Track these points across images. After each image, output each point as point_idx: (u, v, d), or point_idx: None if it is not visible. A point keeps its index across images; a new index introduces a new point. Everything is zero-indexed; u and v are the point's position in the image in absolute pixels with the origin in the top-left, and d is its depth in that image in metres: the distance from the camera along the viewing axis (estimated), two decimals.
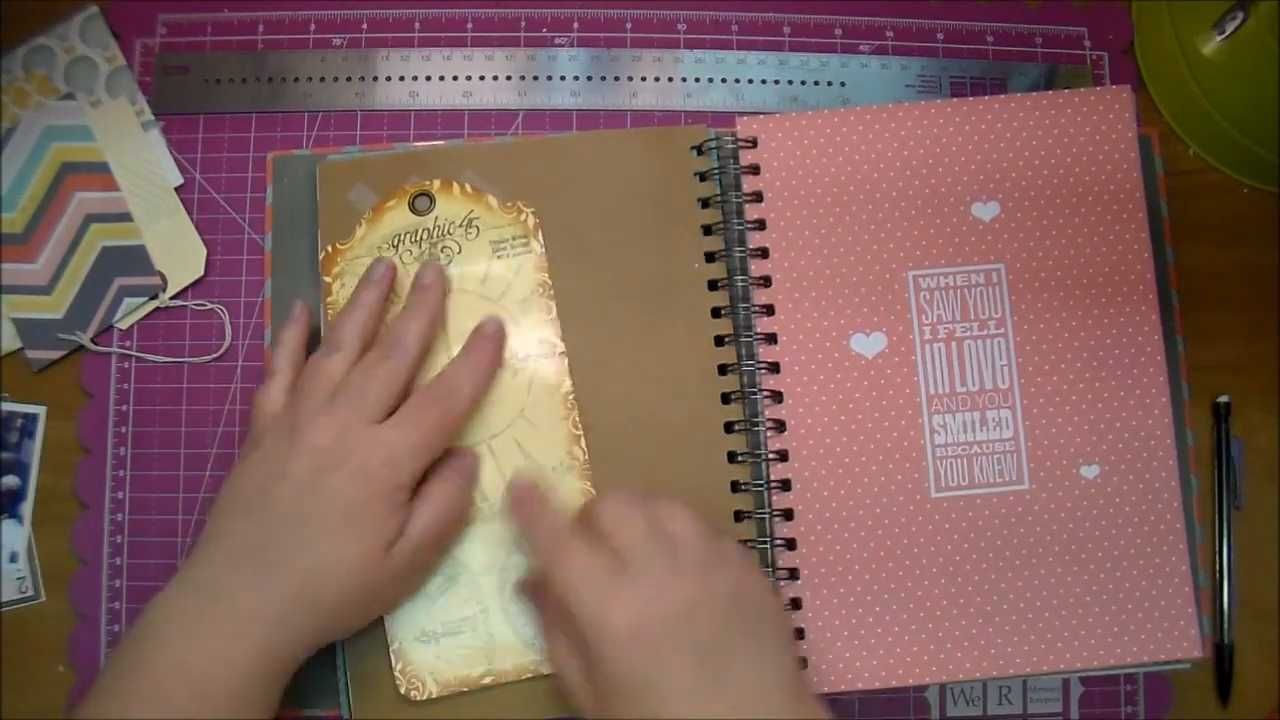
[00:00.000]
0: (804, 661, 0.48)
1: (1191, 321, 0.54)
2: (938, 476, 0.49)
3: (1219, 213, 0.56)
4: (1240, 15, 0.50)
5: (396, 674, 0.47)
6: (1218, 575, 0.53)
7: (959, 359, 0.50)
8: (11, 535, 0.53)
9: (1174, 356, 0.52)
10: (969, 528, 0.49)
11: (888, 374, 0.49)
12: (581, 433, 0.49)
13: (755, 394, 0.50)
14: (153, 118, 0.55)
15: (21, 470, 0.53)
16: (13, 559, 0.53)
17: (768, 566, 0.49)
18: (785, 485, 0.49)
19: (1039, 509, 0.49)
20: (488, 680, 0.48)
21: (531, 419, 0.49)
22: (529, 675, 0.48)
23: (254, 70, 0.56)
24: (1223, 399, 0.54)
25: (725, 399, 0.50)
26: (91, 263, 0.53)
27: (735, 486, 0.49)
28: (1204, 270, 0.55)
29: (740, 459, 0.49)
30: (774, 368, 0.49)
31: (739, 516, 0.49)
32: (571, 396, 0.49)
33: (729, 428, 0.49)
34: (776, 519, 0.49)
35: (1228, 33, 0.51)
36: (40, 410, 0.54)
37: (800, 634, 0.48)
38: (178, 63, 0.56)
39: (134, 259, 0.54)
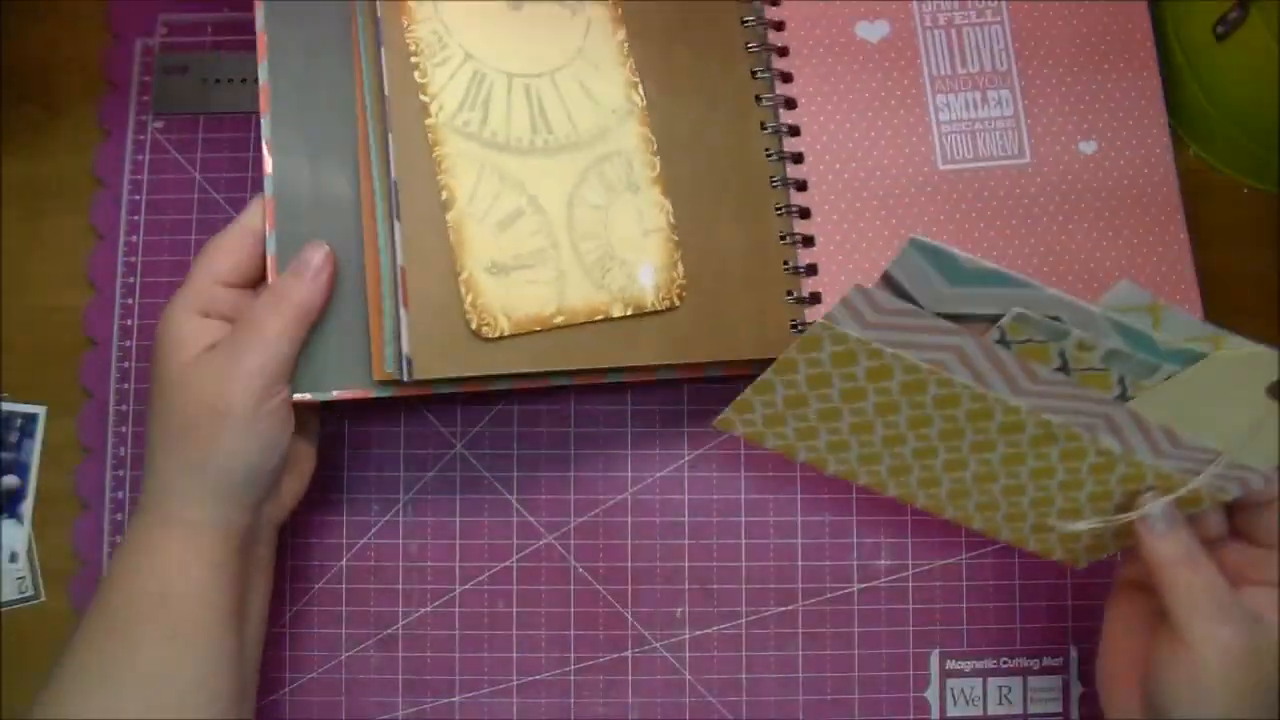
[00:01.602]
0: (818, 296, 0.50)
1: None
2: (943, 150, 0.52)
3: (1219, 213, 0.56)
4: (1240, 15, 0.50)
5: (467, 307, 0.44)
6: None
7: (959, 44, 0.53)
8: (11, 535, 0.53)
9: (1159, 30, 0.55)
10: (975, 197, 0.51)
11: (892, 57, 0.52)
12: (639, 80, 0.49)
13: (767, 73, 0.52)
14: None
15: (21, 470, 0.53)
16: (13, 559, 0.53)
17: (787, 234, 0.51)
18: (798, 159, 0.52)
19: (1040, 180, 0.52)
20: (560, 320, 0.45)
21: (591, 59, 0.48)
22: (600, 317, 0.46)
23: (254, 70, 0.55)
24: None
25: (759, 100, 0.52)
26: None
27: (768, 152, 0.51)
28: (1203, 271, 0.55)
29: (765, 126, 0.51)
30: (783, 51, 0.52)
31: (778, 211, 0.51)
32: (626, 46, 0.49)
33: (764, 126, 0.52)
34: (791, 189, 0.51)
35: (1228, 33, 0.51)
36: (40, 410, 0.54)
37: (817, 298, 0.50)
38: (178, 63, 0.56)
39: None
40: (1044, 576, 0.53)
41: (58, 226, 0.55)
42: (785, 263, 0.50)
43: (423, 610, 0.52)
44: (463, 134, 0.45)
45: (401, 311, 0.43)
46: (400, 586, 0.53)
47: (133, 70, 0.56)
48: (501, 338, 0.44)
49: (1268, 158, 0.54)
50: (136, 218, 0.55)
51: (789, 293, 0.50)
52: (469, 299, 0.44)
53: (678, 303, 0.47)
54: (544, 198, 0.46)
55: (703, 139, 0.50)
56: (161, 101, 0.56)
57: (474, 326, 0.44)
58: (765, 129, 0.51)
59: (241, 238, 0.45)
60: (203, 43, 0.56)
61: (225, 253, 0.45)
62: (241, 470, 0.43)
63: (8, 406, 0.54)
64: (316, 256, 0.44)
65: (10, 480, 0.53)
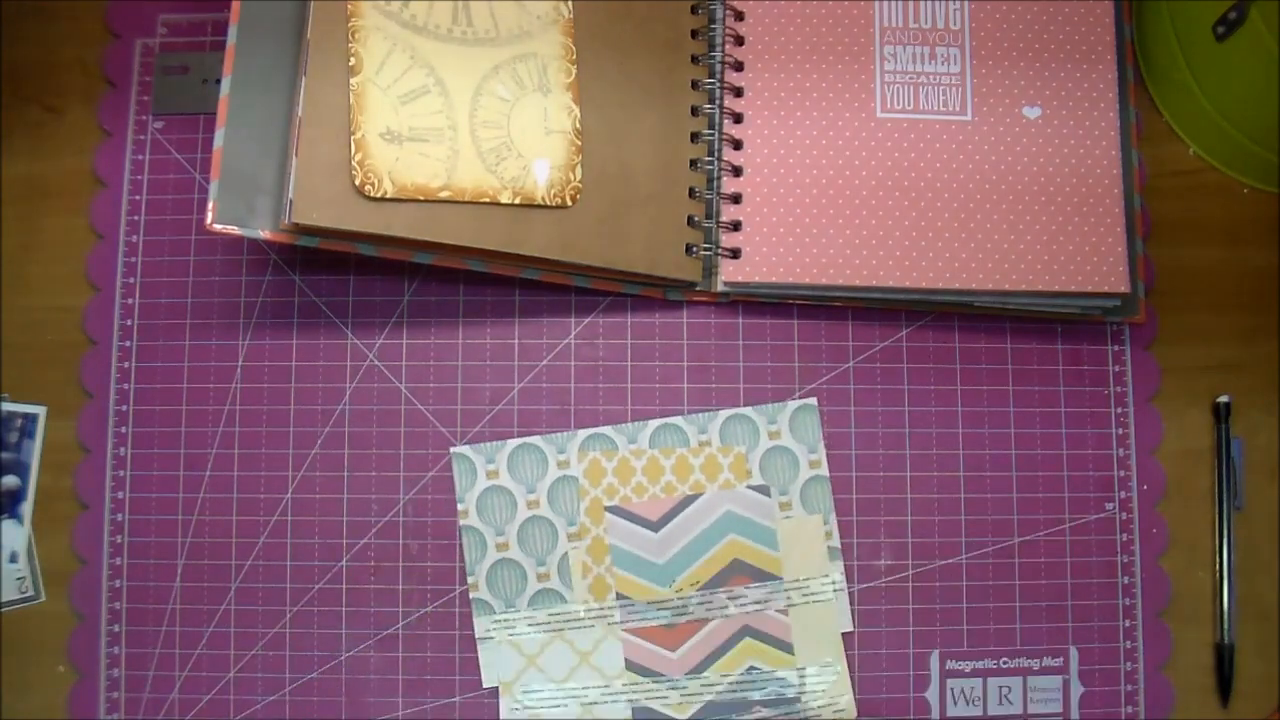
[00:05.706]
0: (738, 252, 0.52)
1: (1191, 321, 0.55)
2: (884, 98, 0.53)
3: (1219, 213, 0.56)
4: (1240, 15, 0.50)
5: (354, 165, 0.46)
6: (1218, 575, 0.53)
7: (913, 1, 0.54)
8: (11, 535, 0.53)
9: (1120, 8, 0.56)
10: (910, 148, 0.52)
11: (845, 4, 0.54)
12: None
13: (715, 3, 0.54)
14: (837, 544, 0.53)
15: (21, 470, 0.54)
16: (13, 559, 0.53)
17: (712, 158, 0.52)
18: (738, 93, 0.53)
19: (979, 139, 0.52)
20: (445, 194, 0.47)
21: None
22: (487, 200, 0.48)
23: None
24: (1223, 399, 0.54)
25: (694, 35, 0.54)
26: (733, 678, 0.51)
27: (695, 84, 0.53)
28: (1204, 270, 0.55)
29: (698, 59, 0.53)
30: None
31: (694, 138, 0.52)
32: None
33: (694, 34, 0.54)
34: (727, 119, 0.53)
35: (1228, 33, 0.51)
36: (40, 410, 0.54)
37: (737, 226, 0.52)
38: (178, 63, 0.56)
39: (778, 692, 0.50)
40: (1044, 576, 0.53)
41: (58, 226, 0.55)
42: (692, 190, 0.52)
43: (423, 610, 0.53)
44: (382, 11, 0.48)
45: (292, 158, 0.46)
46: (400, 586, 0.53)
47: (133, 70, 0.56)
48: (384, 199, 0.46)
49: (1268, 158, 0.54)
50: (136, 218, 0.55)
51: (690, 219, 0.52)
52: (358, 157, 0.46)
53: (569, 202, 0.49)
54: (451, 82, 0.48)
55: (631, 60, 0.52)
56: (161, 101, 0.56)
57: (357, 182, 0.46)
58: (697, 62, 0.53)
59: None
60: (203, 43, 0.56)
61: None
62: None
63: (8, 406, 0.54)
64: None
65: (10, 480, 0.53)
